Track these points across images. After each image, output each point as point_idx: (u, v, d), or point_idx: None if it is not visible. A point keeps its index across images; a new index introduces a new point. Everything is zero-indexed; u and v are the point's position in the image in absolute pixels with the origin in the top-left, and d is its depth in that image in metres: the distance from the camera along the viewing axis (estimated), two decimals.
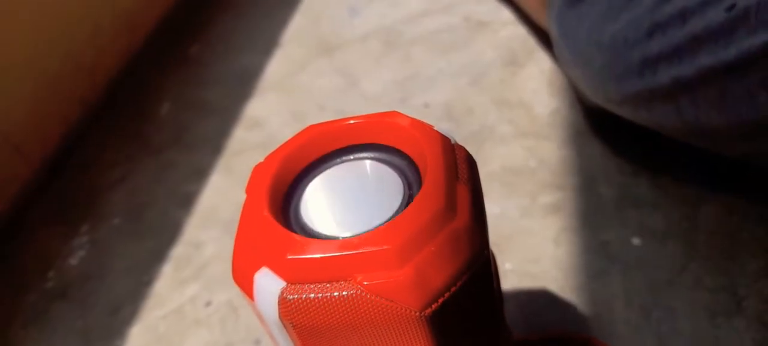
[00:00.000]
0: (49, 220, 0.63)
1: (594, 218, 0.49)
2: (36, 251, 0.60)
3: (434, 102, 0.64)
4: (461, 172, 0.23)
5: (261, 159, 0.26)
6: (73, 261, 0.59)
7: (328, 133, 0.25)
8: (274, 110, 0.70)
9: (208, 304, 0.52)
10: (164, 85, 0.77)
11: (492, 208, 0.52)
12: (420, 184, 0.24)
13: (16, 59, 0.64)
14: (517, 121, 0.60)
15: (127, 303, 0.54)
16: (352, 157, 0.25)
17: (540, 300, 0.45)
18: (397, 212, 0.23)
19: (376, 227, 0.21)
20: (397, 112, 0.25)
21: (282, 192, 0.24)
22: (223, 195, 0.62)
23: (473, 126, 0.60)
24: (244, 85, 0.74)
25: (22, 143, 0.65)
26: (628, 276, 0.45)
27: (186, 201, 0.61)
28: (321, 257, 0.21)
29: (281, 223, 0.23)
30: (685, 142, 0.46)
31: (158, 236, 0.59)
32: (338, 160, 0.25)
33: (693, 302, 0.42)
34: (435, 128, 0.25)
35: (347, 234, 0.22)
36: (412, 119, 0.24)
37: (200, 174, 0.64)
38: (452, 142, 0.24)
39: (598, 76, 0.48)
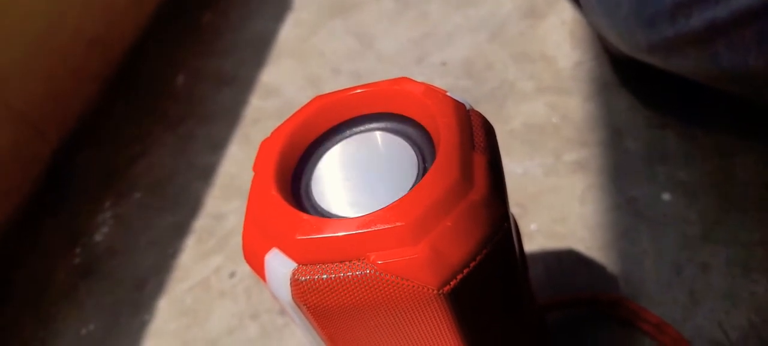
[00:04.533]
0: (73, 198, 0.64)
1: (621, 174, 0.47)
2: (61, 229, 0.61)
3: (452, 60, 0.62)
4: (477, 140, 0.22)
5: (277, 126, 0.25)
6: (98, 237, 0.59)
7: (336, 104, 0.24)
8: (289, 76, 0.69)
9: (232, 275, 0.52)
10: (178, 56, 0.76)
11: (515, 168, 0.50)
12: (434, 155, 0.22)
13: (27, 37, 0.63)
14: (539, 75, 0.58)
15: (153, 277, 0.54)
16: (361, 128, 0.24)
17: (567, 261, 0.44)
18: (410, 187, 0.21)
19: (389, 204, 0.20)
20: (406, 78, 0.23)
21: (290, 168, 0.23)
22: (242, 165, 0.61)
23: (493, 83, 0.58)
24: (258, 52, 0.73)
25: (41, 122, 0.65)
26: (658, 233, 0.43)
27: (206, 173, 0.61)
28: (332, 237, 0.20)
29: (290, 201, 0.22)
30: (718, 89, 0.44)
31: (180, 209, 0.59)
32: (347, 132, 0.24)
33: (727, 258, 0.41)
34: (448, 94, 0.23)
35: (359, 211, 0.21)
36: (424, 85, 0.23)
37: (218, 145, 0.63)
38: (467, 107, 0.23)
39: (626, 22, 0.46)
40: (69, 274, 0.57)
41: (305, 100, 0.67)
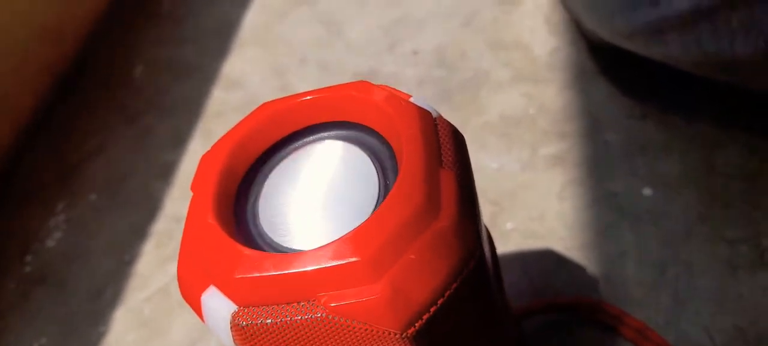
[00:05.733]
0: (23, 199, 0.60)
1: (601, 167, 0.45)
2: (11, 234, 0.57)
3: (424, 48, 0.60)
4: (445, 154, 0.19)
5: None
6: (51, 242, 0.56)
7: (286, 113, 0.21)
8: (254, 66, 0.65)
9: None
10: (136, 45, 0.72)
11: (490, 162, 0.48)
12: (398, 171, 0.19)
13: None
14: (514, 64, 0.55)
15: (110, 285, 0.51)
16: (314, 141, 0.21)
17: (545, 262, 0.42)
18: (371, 210, 0.19)
19: (344, 234, 0.17)
20: (365, 82, 0.21)
21: (233, 188, 0.20)
22: None
23: (467, 72, 0.56)
24: (220, 40, 0.69)
25: None
26: (640, 230, 0.41)
27: (165, 172, 0.58)
28: (276, 275, 0.17)
29: (231, 231, 0.19)
30: (701, 77, 0.42)
31: (138, 211, 0.55)
32: (299, 145, 0.21)
33: (712, 256, 0.39)
34: (412, 100, 0.20)
35: (311, 240, 0.19)
36: (385, 91, 0.20)
37: (179, 141, 0.60)
38: (434, 116, 0.20)
39: (605, 6, 0.44)
40: (19, 283, 0.53)
41: (270, 92, 0.63)
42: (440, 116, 0.20)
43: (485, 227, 0.26)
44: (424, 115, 0.20)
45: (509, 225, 0.44)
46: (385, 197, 0.19)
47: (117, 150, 0.61)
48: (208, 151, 0.21)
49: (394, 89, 0.21)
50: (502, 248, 0.43)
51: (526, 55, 0.55)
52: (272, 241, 0.19)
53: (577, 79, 0.52)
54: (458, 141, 0.20)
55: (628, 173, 0.44)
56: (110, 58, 0.71)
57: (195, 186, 0.21)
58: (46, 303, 0.51)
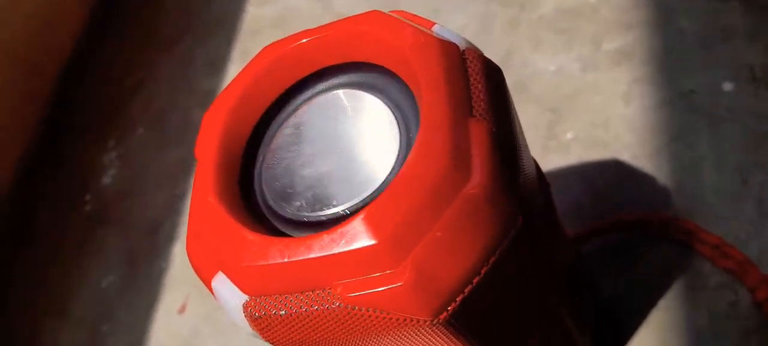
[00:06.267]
0: (76, 138, 0.61)
1: (674, 61, 0.40)
2: (69, 174, 0.59)
3: None
4: (477, 99, 0.16)
5: (278, 39, 0.19)
6: (107, 180, 0.57)
7: (290, 57, 0.18)
8: None
9: None
10: None
11: (547, 64, 0.43)
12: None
13: None
14: None
15: (166, 220, 0.51)
16: (324, 89, 0.18)
17: (610, 174, 0.38)
18: (390, 174, 0.16)
19: (360, 209, 0.15)
20: (378, 13, 0.17)
21: (238, 152, 0.18)
22: None
23: None
24: None
25: (36, 59, 0.61)
26: (719, 132, 0.36)
27: (206, 99, 0.56)
28: (284, 263, 0.15)
29: (235, 206, 0.17)
30: None
31: (184, 142, 0.55)
32: (308, 95, 0.18)
33: None
34: (435, 31, 0.17)
35: (324, 210, 0.16)
36: (398, 24, 0.17)
37: (216, 66, 0.58)
38: (461, 48, 0.17)
39: None
40: (84, 220, 0.55)
41: (306, 4, 0.58)
42: (470, 48, 0.17)
43: (534, 160, 0.22)
44: (449, 50, 0.16)
45: (569, 135, 0.40)
46: (408, 153, 0.16)
47: (158, 81, 0.60)
48: (210, 109, 0.19)
49: (414, 16, 0.17)
50: (562, 161, 0.39)
51: None
52: (283, 211, 0.17)
53: None
54: (493, 79, 0.16)
55: (707, 65, 0.39)
56: None
57: (199, 151, 0.18)
58: (109, 241, 0.52)
